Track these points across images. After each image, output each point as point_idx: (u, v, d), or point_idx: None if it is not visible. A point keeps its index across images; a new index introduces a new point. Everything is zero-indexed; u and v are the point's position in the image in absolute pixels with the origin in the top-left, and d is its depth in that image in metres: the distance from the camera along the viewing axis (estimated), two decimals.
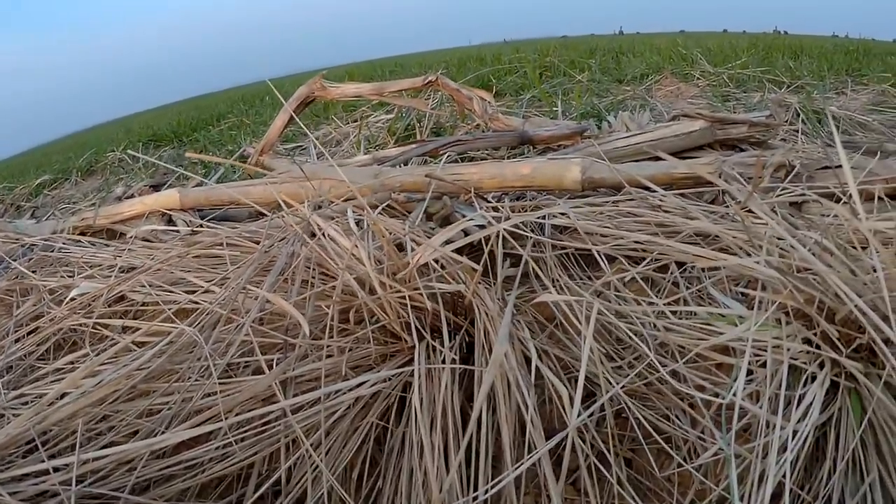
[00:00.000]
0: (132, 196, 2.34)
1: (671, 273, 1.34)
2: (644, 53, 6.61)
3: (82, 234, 2.05)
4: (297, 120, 2.55)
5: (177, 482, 1.02)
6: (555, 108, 3.65)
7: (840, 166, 1.40)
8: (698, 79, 4.74)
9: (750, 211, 1.29)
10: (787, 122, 2.86)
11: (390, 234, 1.20)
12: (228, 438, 1.00)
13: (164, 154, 4.86)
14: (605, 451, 1.11)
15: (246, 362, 1.15)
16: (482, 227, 1.26)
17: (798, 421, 0.94)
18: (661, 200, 1.45)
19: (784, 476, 0.91)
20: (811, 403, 0.96)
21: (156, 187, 2.54)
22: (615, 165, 1.61)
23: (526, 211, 1.49)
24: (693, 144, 1.89)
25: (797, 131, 2.60)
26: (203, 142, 4.96)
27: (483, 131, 2.48)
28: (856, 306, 0.95)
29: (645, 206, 1.46)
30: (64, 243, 1.93)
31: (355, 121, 3.82)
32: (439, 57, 9.79)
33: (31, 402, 1.14)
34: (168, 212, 1.97)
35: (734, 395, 0.96)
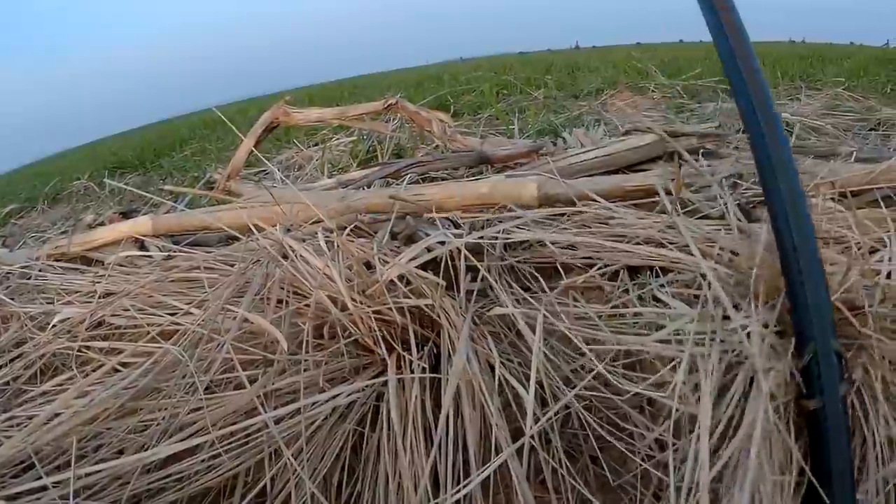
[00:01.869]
0: (102, 223, 2.37)
1: (620, 280, 1.41)
2: (599, 68, 6.66)
3: (56, 261, 2.08)
4: (255, 150, 2.60)
5: (166, 495, 1.06)
6: (511, 127, 3.69)
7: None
8: (653, 91, 4.84)
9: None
10: (739, 131, 2.95)
11: (359, 253, 1.25)
12: (214, 450, 1.05)
13: (130, 181, 4.85)
14: (571, 452, 1.18)
15: (228, 379, 1.19)
16: (443, 244, 1.31)
17: (727, 405, 1.00)
18: (613, 212, 1.51)
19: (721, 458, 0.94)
20: (736, 388, 1.01)
21: (125, 214, 2.55)
22: (570, 181, 1.68)
23: (485, 227, 1.53)
24: (645, 157, 1.96)
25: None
26: (168, 168, 4.98)
27: (442, 152, 2.54)
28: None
29: (598, 218, 1.52)
30: (40, 270, 1.96)
31: (316, 144, 3.88)
32: (397, 77, 9.82)
33: (22, 424, 1.17)
34: (141, 238, 2.00)
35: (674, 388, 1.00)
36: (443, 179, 2.23)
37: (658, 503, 1.11)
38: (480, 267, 1.31)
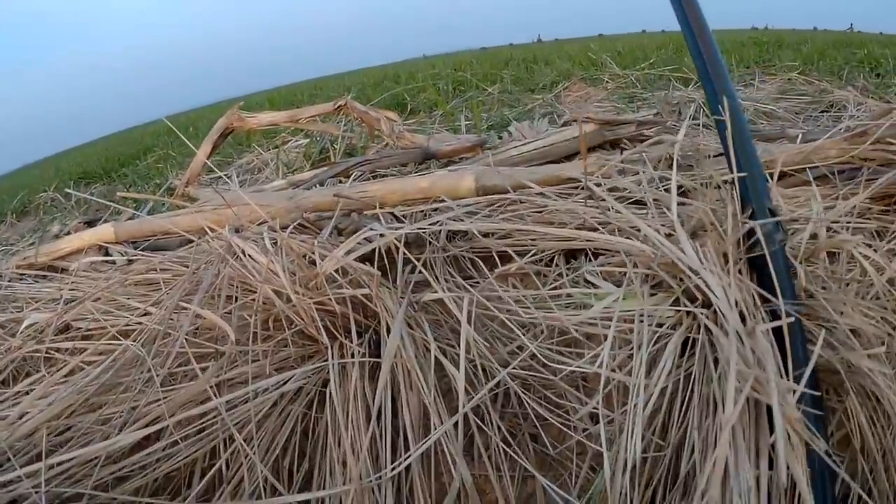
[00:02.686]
0: (68, 233, 2.42)
1: (556, 265, 1.49)
2: (556, 61, 6.65)
3: (25, 271, 2.14)
4: (208, 160, 2.66)
5: (132, 482, 1.12)
6: (468, 122, 3.74)
7: (720, 155, 1.58)
8: (607, 82, 4.84)
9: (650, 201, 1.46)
10: (689, 117, 2.99)
11: (300, 249, 1.32)
12: (173, 437, 1.13)
13: (95, 191, 4.88)
14: (512, 431, 1.24)
15: (184, 371, 1.26)
16: (382, 236, 1.37)
17: (658, 378, 1.04)
18: (546, 200, 1.59)
19: (649, 429, 1.05)
20: (665, 360, 1.06)
21: (90, 223, 2.60)
22: (507, 171, 1.76)
23: (424, 219, 1.60)
24: (586, 146, 1.99)
25: (698, 125, 2.71)
26: (132, 176, 4.99)
27: (392, 150, 2.61)
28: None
29: (534, 206, 1.60)
30: (10, 281, 2.03)
31: (275, 147, 3.90)
32: (358, 77, 9.76)
33: None
34: (105, 245, 2.06)
35: (602, 364, 1.07)
36: (392, 176, 2.27)
37: (594, 474, 1.14)
38: (412, 258, 1.35)
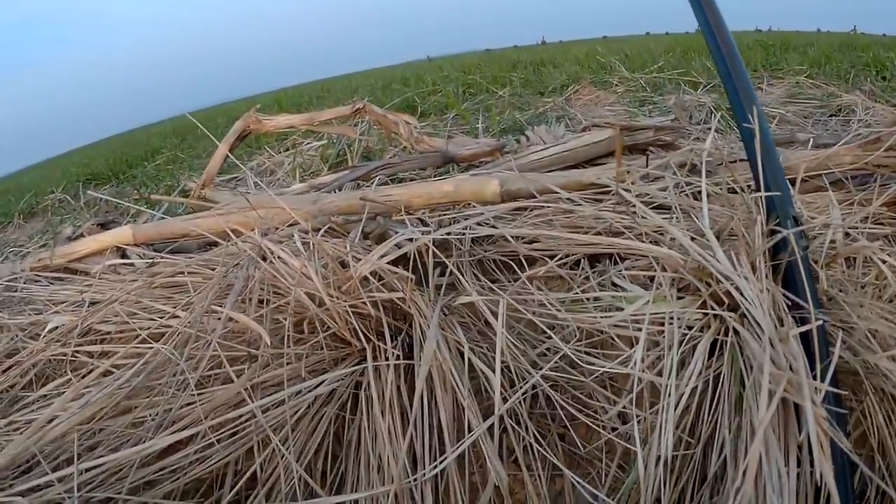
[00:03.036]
0: (81, 235, 2.41)
1: (582, 268, 1.49)
2: (564, 64, 6.63)
3: (40, 273, 2.13)
4: (230, 155, 2.66)
5: (162, 486, 1.13)
6: (477, 126, 3.73)
7: (734, 161, 1.59)
8: (616, 85, 4.83)
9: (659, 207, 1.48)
10: (701, 121, 3.00)
11: (333, 252, 1.32)
12: (206, 441, 1.13)
13: (104, 192, 4.84)
14: (541, 431, 1.26)
15: (216, 374, 1.26)
16: (411, 240, 1.39)
17: (689, 378, 1.07)
18: (573, 205, 1.58)
19: (678, 428, 1.07)
20: (695, 361, 1.09)
21: (103, 225, 2.60)
22: (530, 176, 1.75)
23: (451, 224, 1.62)
24: (604, 152, 2.03)
25: (710, 129, 2.67)
26: (141, 178, 4.97)
27: (410, 153, 2.62)
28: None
29: (559, 211, 1.60)
30: (25, 282, 2.02)
31: (287, 150, 3.90)
32: (365, 79, 9.73)
33: (21, 428, 1.24)
34: (122, 247, 2.06)
35: (634, 365, 1.10)
36: (411, 180, 2.29)
37: (623, 473, 1.17)
38: (447, 262, 1.36)
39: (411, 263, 1.40)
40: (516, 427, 1.21)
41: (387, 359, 1.22)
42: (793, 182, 1.55)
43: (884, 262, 1.19)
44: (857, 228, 1.38)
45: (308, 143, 3.83)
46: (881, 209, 1.49)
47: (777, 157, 1.21)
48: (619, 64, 5.57)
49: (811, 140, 2.12)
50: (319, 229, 1.57)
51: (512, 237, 1.55)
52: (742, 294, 1.07)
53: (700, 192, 1.47)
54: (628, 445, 1.13)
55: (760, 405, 0.91)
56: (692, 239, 1.22)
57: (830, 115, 3.32)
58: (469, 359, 1.21)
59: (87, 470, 1.07)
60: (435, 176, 2.27)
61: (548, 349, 1.30)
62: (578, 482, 1.13)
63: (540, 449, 1.20)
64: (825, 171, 1.67)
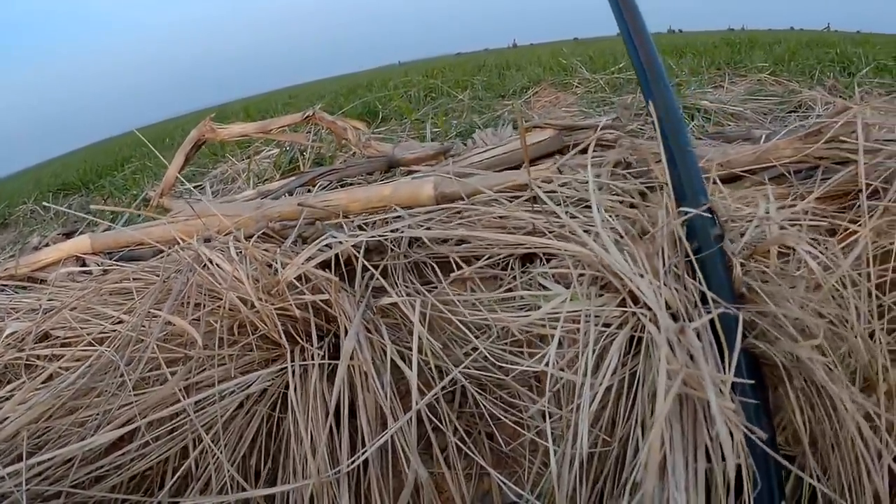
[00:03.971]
0: (47, 245, 2.46)
1: (511, 268, 1.54)
2: (526, 67, 6.65)
3: (6, 282, 2.19)
4: (178, 172, 2.71)
5: (108, 481, 1.19)
6: (437, 130, 3.78)
7: (659, 161, 1.64)
8: (577, 86, 4.88)
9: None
10: (630, 119, 3.04)
11: (262, 257, 1.39)
12: (145, 438, 1.19)
13: (74, 202, 4.91)
14: (469, 430, 1.32)
15: (155, 376, 1.32)
16: (333, 245, 1.45)
17: (604, 376, 1.09)
18: (503, 206, 1.64)
19: (596, 426, 1.10)
20: (610, 359, 1.11)
21: (68, 235, 2.64)
22: (464, 179, 1.81)
23: (387, 227, 1.66)
24: (545, 151, 2.08)
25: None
26: (109, 188, 5.00)
27: (358, 158, 2.65)
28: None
29: (489, 212, 1.64)
30: None
31: (248, 157, 3.93)
32: (331, 85, 9.76)
33: None
34: (82, 255, 2.12)
35: (547, 363, 1.12)
36: (358, 184, 2.33)
37: (546, 470, 1.17)
38: (368, 265, 1.42)
39: (344, 268, 1.46)
40: (442, 427, 1.26)
41: (312, 359, 1.27)
42: (734, 178, 1.68)
43: (809, 253, 1.19)
44: (797, 221, 1.41)
45: (268, 151, 3.89)
46: (819, 202, 1.52)
47: (687, 142, 1.26)
48: (581, 65, 5.59)
49: (763, 136, 2.14)
50: (253, 235, 1.63)
51: (442, 240, 1.61)
52: (641, 290, 1.12)
53: (641, 192, 1.56)
54: (546, 444, 1.12)
55: (658, 399, 0.93)
56: (614, 240, 1.27)
57: (790, 112, 3.33)
58: (393, 359, 1.26)
59: (36, 465, 1.13)
60: (381, 180, 2.32)
61: (474, 349, 1.34)
62: (502, 481, 1.17)
63: (465, 448, 1.25)
64: (766, 165, 1.69)
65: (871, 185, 1.43)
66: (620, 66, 5.27)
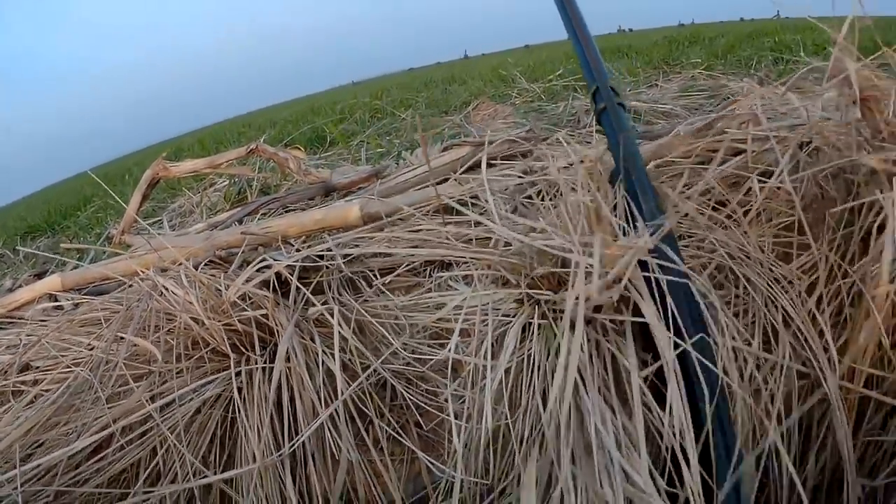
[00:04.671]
0: (20, 286, 2.60)
1: (429, 275, 1.72)
2: (468, 81, 6.79)
3: None
4: (135, 212, 2.87)
5: (91, 483, 1.36)
6: (381, 150, 3.93)
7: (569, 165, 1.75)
8: (515, 97, 4.96)
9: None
10: (587, 125, 3.16)
11: (208, 281, 1.56)
12: (120, 443, 1.37)
13: (42, 244, 4.99)
14: (398, 420, 1.46)
15: (125, 390, 1.48)
16: (269, 267, 1.62)
17: (503, 359, 1.22)
18: (422, 221, 1.82)
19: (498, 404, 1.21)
20: (508, 344, 1.24)
21: (39, 275, 2.76)
22: (387, 199, 1.97)
23: (315, 247, 1.82)
24: (465, 166, 2.23)
25: (593, 132, 2.79)
26: (74, 228, 5.11)
27: (299, 186, 2.87)
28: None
29: (409, 227, 1.82)
30: None
31: (204, 189, 4.07)
32: (283, 111, 9.80)
33: None
34: (54, 293, 2.29)
35: (450, 351, 1.30)
36: (300, 210, 2.47)
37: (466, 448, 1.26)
38: (296, 283, 1.59)
39: (284, 286, 1.63)
40: (373, 417, 1.42)
41: (255, 363, 1.45)
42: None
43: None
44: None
45: (222, 183, 4.03)
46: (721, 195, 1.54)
47: (634, 147, 1.29)
48: (521, 76, 5.67)
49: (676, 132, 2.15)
50: (200, 263, 1.78)
51: (370, 255, 1.78)
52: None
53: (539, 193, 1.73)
54: (459, 423, 1.25)
55: (565, 334, 1.01)
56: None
57: (717, 105, 3.32)
58: (324, 361, 1.44)
59: (29, 471, 1.31)
60: (320, 205, 2.47)
61: (403, 346, 1.50)
62: (430, 462, 1.32)
63: (395, 436, 1.41)
64: (660, 160, 1.74)
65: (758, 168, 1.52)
66: (558, 73, 5.36)
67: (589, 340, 1.15)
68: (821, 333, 1.24)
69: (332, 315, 1.50)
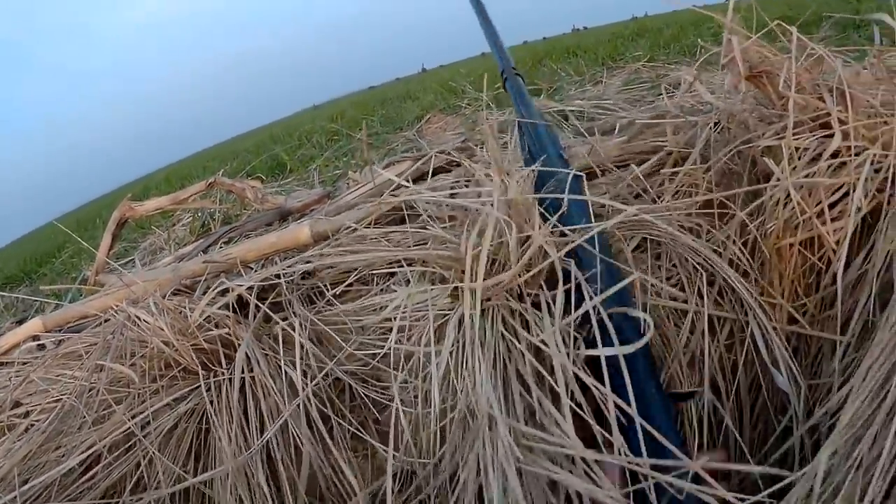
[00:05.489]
0: (3, 333, 2.66)
1: (376, 283, 1.85)
2: (419, 97, 6.91)
3: None
4: (106, 253, 2.98)
5: (86, 497, 1.51)
6: (337, 171, 4.10)
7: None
8: (465, 107, 5.07)
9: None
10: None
11: (175, 308, 1.69)
12: (108, 460, 1.51)
13: (21, 292, 5.03)
14: (359, 418, 1.56)
15: (108, 413, 1.61)
16: (236, 285, 1.76)
17: (443, 348, 1.31)
18: (367, 232, 1.95)
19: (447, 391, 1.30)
20: (448, 334, 1.32)
21: (20, 322, 2.89)
22: (333, 217, 2.12)
23: (275, 268, 1.93)
24: (411, 179, 2.38)
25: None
26: (51, 275, 5.24)
27: (257, 213, 3.00)
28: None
29: (357, 240, 1.95)
30: None
31: (173, 225, 4.20)
32: (245, 142, 9.82)
33: None
34: (37, 335, 2.39)
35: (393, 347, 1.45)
36: (258, 236, 2.49)
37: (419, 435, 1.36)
38: (254, 301, 1.73)
39: (245, 307, 1.78)
40: (335, 417, 1.52)
41: (222, 376, 1.57)
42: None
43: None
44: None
45: (188, 218, 4.15)
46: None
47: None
48: (469, 86, 5.79)
49: (617, 126, 2.33)
50: (166, 293, 1.91)
51: (322, 269, 1.92)
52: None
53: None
54: (409, 411, 1.36)
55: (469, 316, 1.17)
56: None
57: (658, 95, 3.33)
58: (285, 370, 1.55)
59: (28, 490, 1.46)
60: (278, 229, 2.55)
61: (355, 349, 1.60)
62: (383, 449, 1.33)
63: (354, 432, 1.51)
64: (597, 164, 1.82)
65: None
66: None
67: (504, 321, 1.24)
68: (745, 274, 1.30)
69: (289, 326, 1.64)
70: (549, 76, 5.25)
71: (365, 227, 2.01)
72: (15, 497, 1.46)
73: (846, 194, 1.22)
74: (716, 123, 1.58)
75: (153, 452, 1.51)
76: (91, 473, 1.55)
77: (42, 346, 2.39)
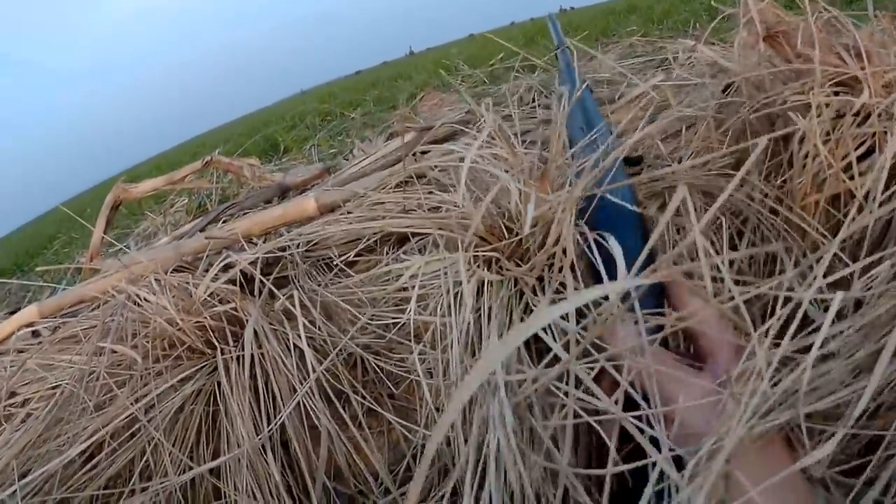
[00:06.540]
0: None
1: (387, 252, 1.77)
2: (413, 75, 6.89)
3: None
4: (102, 236, 2.93)
5: (87, 490, 1.42)
6: (333, 150, 4.03)
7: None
8: (461, 84, 4.91)
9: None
10: (530, 105, 3.21)
11: (178, 284, 1.63)
12: (112, 446, 1.43)
13: (13, 286, 5.04)
14: (373, 394, 1.49)
15: (110, 397, 1.53)
16: (241, 259, 1.69)
17: (462, 316, 1.26)
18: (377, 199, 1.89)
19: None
20: (466, 302, 1.25)
21: (13, 313, 2.84)
22: (340, 188, 2.06)
23: (281, 241, 1.88)
24: (410, 152, 2.29)
25: (534, 107, 2.67)
26: (44, 266, 5.00)
27: (254, 191, 2.94)
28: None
29: (369, 207, 1.89)
30: None
31: (171, 207, 4.12)
32: (235, 127, 9.82)
33: None
34: (33, 322, 2.31)
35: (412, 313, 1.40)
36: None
37: (438, 413, 1.31)
38: (258, 276, 1.66)
39: (251, 281, 1.69)
40: (348, 392, 1.45)
41: (230, 354, 1.50)
42: None
43: None
44: None
45: (183, 201, 4.08)
46: None
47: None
48: (463, 64, 5.69)
49: (619, 93, 2.33)
50: (167, 269, 1.83)
51: (325, 243, 1.85)
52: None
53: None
54: (430, 383, 1.31)
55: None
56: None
57: (656, 68, 3.18)
58: (296, 345, 1.48)
59: (29, 483, 1.38)
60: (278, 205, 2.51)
61: (368, 321, 1.54)
62: (401, 423, 1.38)
63: (369, 407, 1.45)
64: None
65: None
66: (500, 56, 5.36)
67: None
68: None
69: (297, 299, 1.58)
70: (544, 53, 5.05)
71: (377, 194, 1.96)
72: (15, 491, 1.38)
73: (870, 152, 1.17)
74: (727, 86, 1.51)
75: (158, 438, 1.43)
76: (94, 462, 1.47)
77: (37, 334, 2.30)
